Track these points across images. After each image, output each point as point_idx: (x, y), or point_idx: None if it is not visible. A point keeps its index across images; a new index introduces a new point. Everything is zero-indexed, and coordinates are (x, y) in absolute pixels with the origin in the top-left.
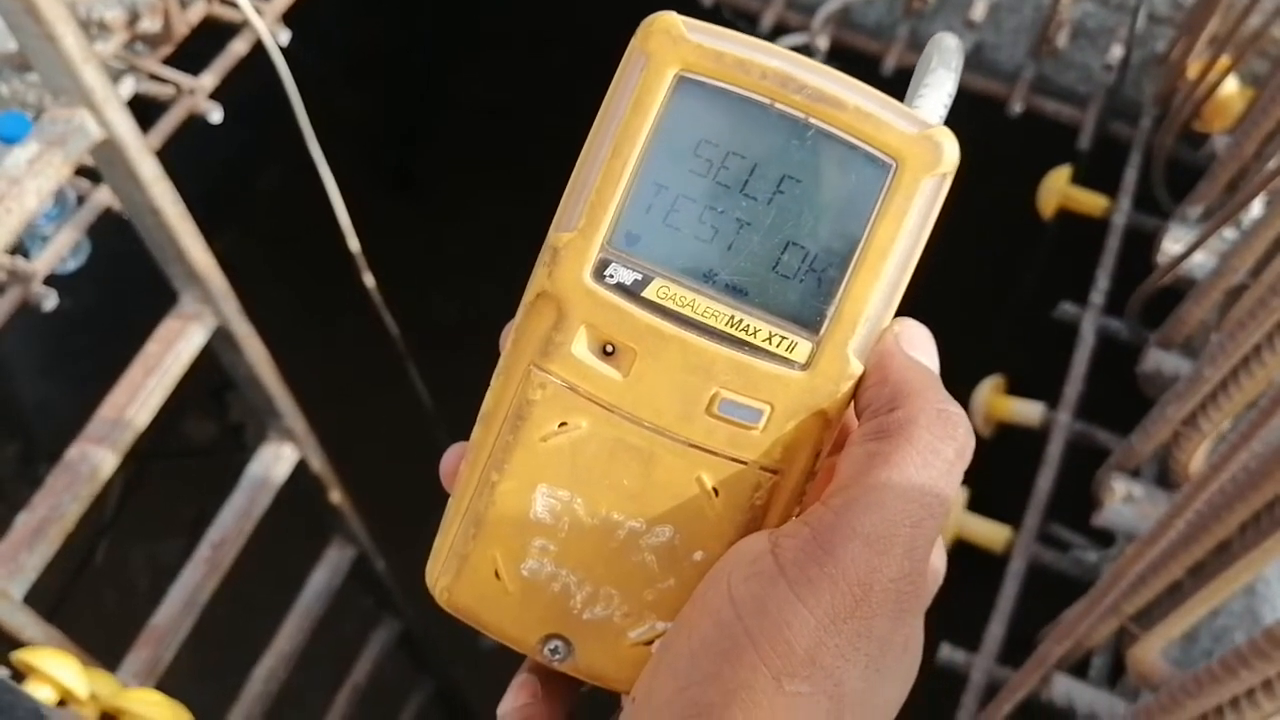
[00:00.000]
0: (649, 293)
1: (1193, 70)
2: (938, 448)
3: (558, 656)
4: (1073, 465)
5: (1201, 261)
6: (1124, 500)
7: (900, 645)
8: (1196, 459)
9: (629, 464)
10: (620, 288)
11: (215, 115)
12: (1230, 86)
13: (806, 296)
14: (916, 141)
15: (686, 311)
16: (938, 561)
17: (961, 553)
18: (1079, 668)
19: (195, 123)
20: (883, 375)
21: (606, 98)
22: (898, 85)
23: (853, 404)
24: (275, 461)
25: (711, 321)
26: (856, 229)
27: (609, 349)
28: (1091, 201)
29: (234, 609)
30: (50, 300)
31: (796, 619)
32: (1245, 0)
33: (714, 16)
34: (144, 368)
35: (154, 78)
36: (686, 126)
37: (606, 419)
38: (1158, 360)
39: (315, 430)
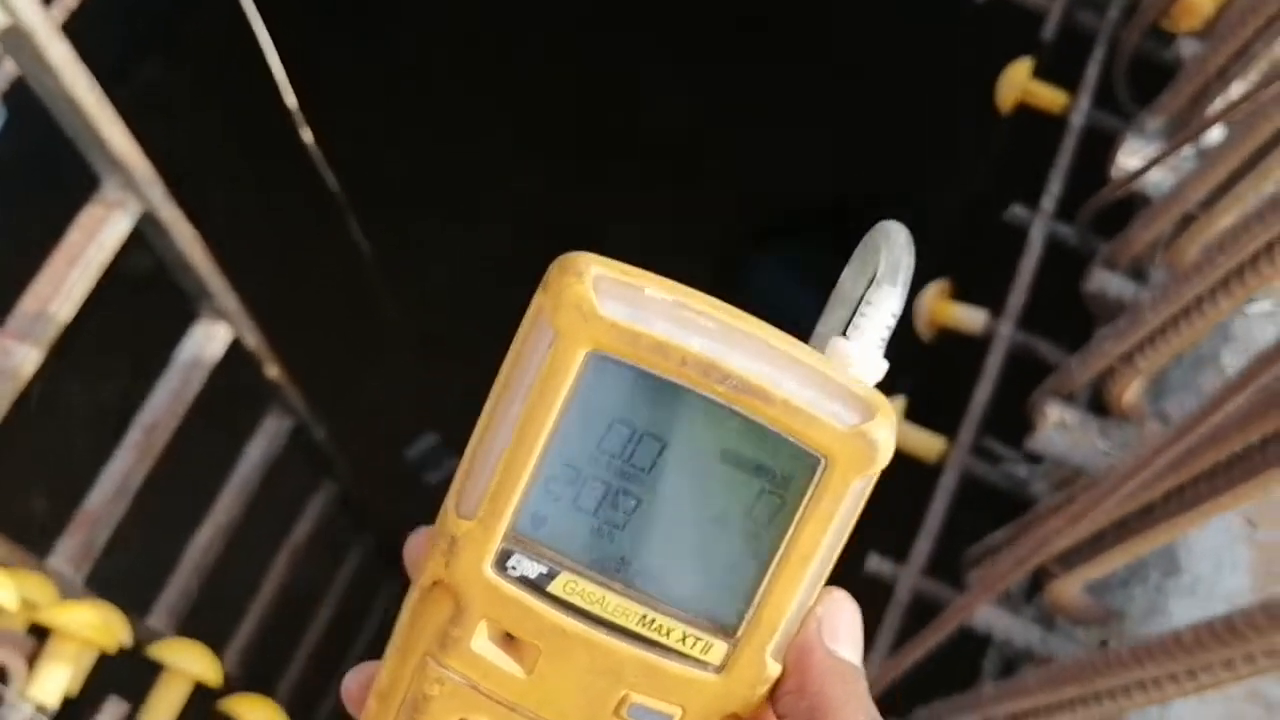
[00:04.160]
0: (555, 588)
1: None
2: None
3: None
4: (1014, 376)
5: (1157, 180)
6: (1056, 426)
7: None
8: (1131, 393)
9: None
10: (524, 581)
11: None
12: None
13: (723, 596)
14: (849, 440)
15: (595, 609)
16: None
17: (894, 461)
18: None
19: None
20: (801, 681)
21: (509, 361)
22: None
23: (770, 704)
24: (208, 341)
25: (621, 620)
26: (781, 528)
27: (509, 640)
28: (1051, 97)
29: (171, 486)
30: None
31: None
32: None
33: None
34: (66, 258)
35: None
36: (600, 407)
37: (508, 717)
38: (1102, 281)
39: (252, 300)
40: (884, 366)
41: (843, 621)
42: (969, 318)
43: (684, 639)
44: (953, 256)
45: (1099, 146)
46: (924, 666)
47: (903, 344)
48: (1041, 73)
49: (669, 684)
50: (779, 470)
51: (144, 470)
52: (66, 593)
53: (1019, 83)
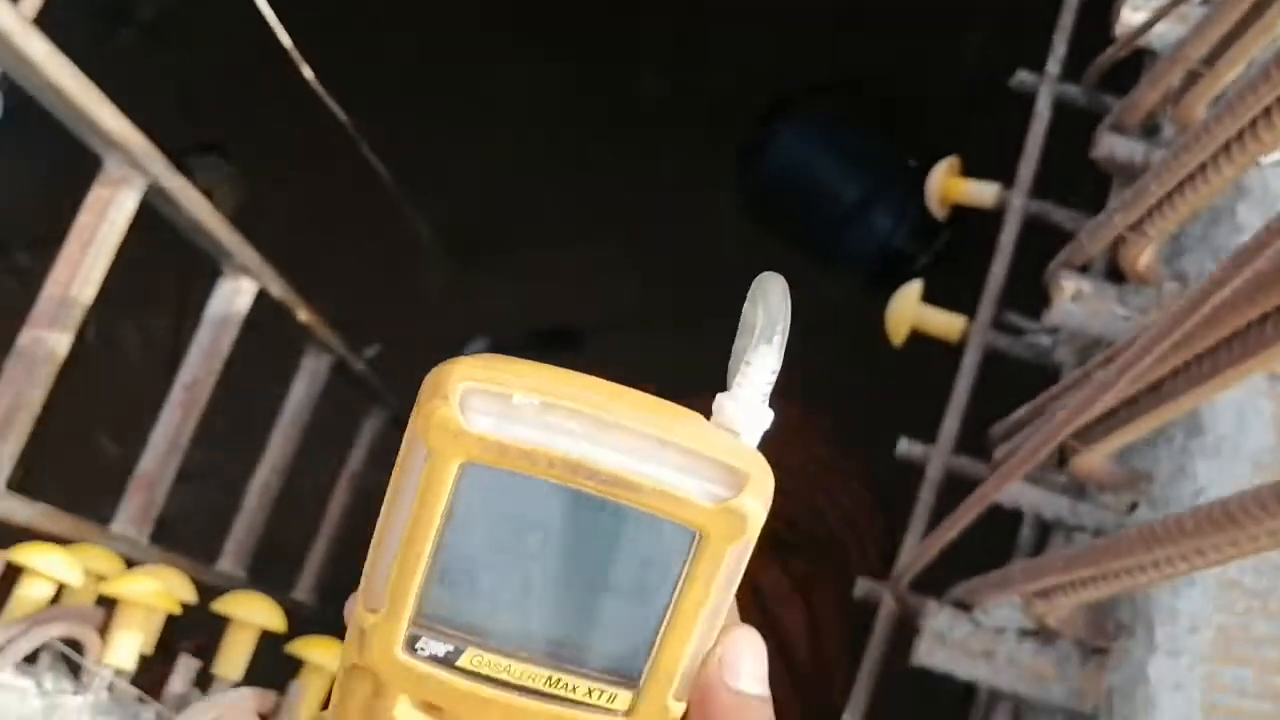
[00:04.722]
0: (463, 662)
1: None
2: None
3: None
4: (1031, 246)
5: (1163, 31)
6: (1073, 298)
7: None
8: (1146, 257)
9: None
10: (434, 659)
11: None
12: None
13: (621, 654)
14: (718, 515)
15: (503, 676)
16: None
17: (917, 346)
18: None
19: None
20: (704, 717)
21: (395, 473)
22: None
23: None
24: (235, 296)
25: (529, 683)
26: (665, 593)
27: (431, 710)
28: None
29: (230, 436)
30: None
31: None
32: None
33: None
34: (80, 242)
35: None
36: (480, 507)
37: None
38: (1111, 145)
39: (277, 246)
40: (769, 416)
41: (743, 658)
42: (981, 192)
43: (590, 693)
44: (961, 133)
45: (1103, 4)
46: (960, 542)
47: (918, 227)
48: None
49: None
50: (658, 545)
51: (190, 427)
52: (133, 555)
53: None
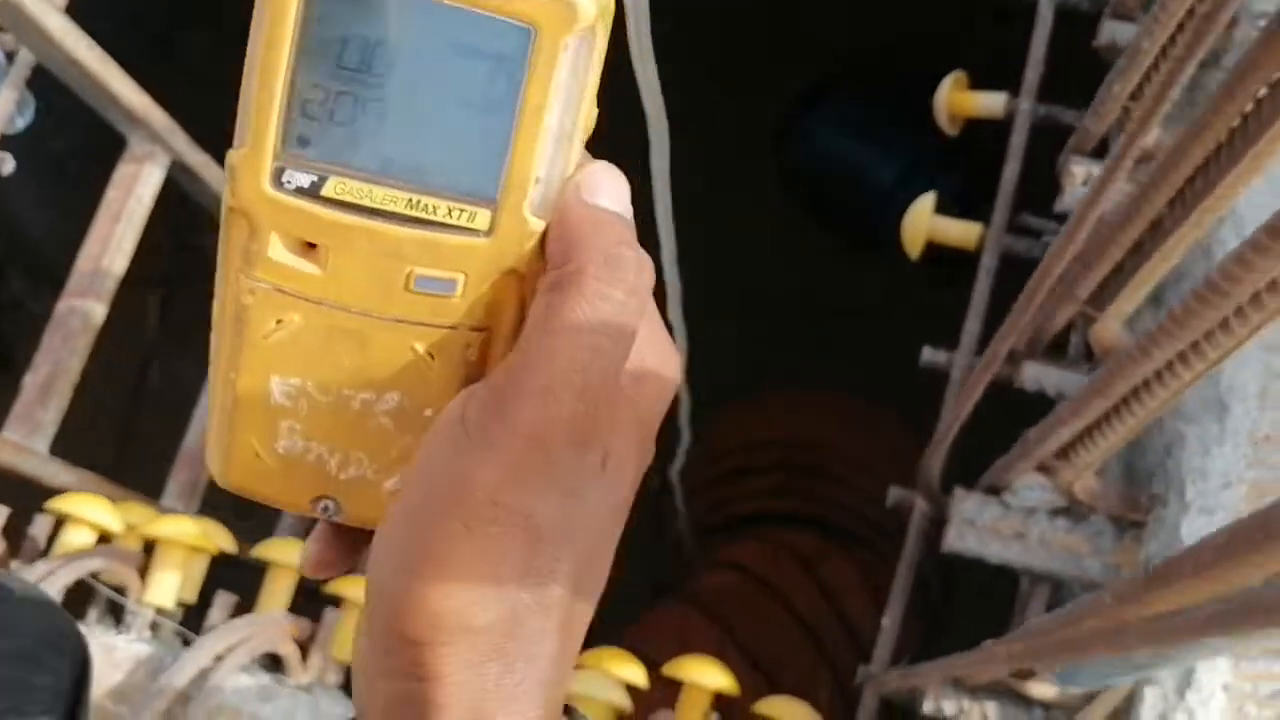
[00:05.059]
0: (327, 191)
1: None
2: (605, 292)
3: (329, 513)
4: (1042, 152)
5: None
6: (1085, 183)
7: (592, 470)
8: (1150, 132)
9: (346, 346)
10: (299, 191)
11: None
12: None
13: (475, 169)
14: (546, 5)
15: (366, 202)
16: (657, 363)
17: (936, 259)
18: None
19: None
20: (560, 229)
21: (253, 20)
22: None
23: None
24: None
25: (391, 207)
26: (509, 98)
27: (305, 245)
28: None
29: None
30: (7, 165)
31: (478, 472)
32: None
33: None
34: (109, 216)
35: None
36: (325, 26)
37: (316, 311)
38: (1112, 31)
39: None
40: None
41: (601, 180)
42: (989, 102)
43: (450, 212)
44: (968, 47)
45: None
46: (990, 444)
47: (959, 196)
48: None
49: (446, 254)
50: (496, 49)
51: None
52: None
53: None
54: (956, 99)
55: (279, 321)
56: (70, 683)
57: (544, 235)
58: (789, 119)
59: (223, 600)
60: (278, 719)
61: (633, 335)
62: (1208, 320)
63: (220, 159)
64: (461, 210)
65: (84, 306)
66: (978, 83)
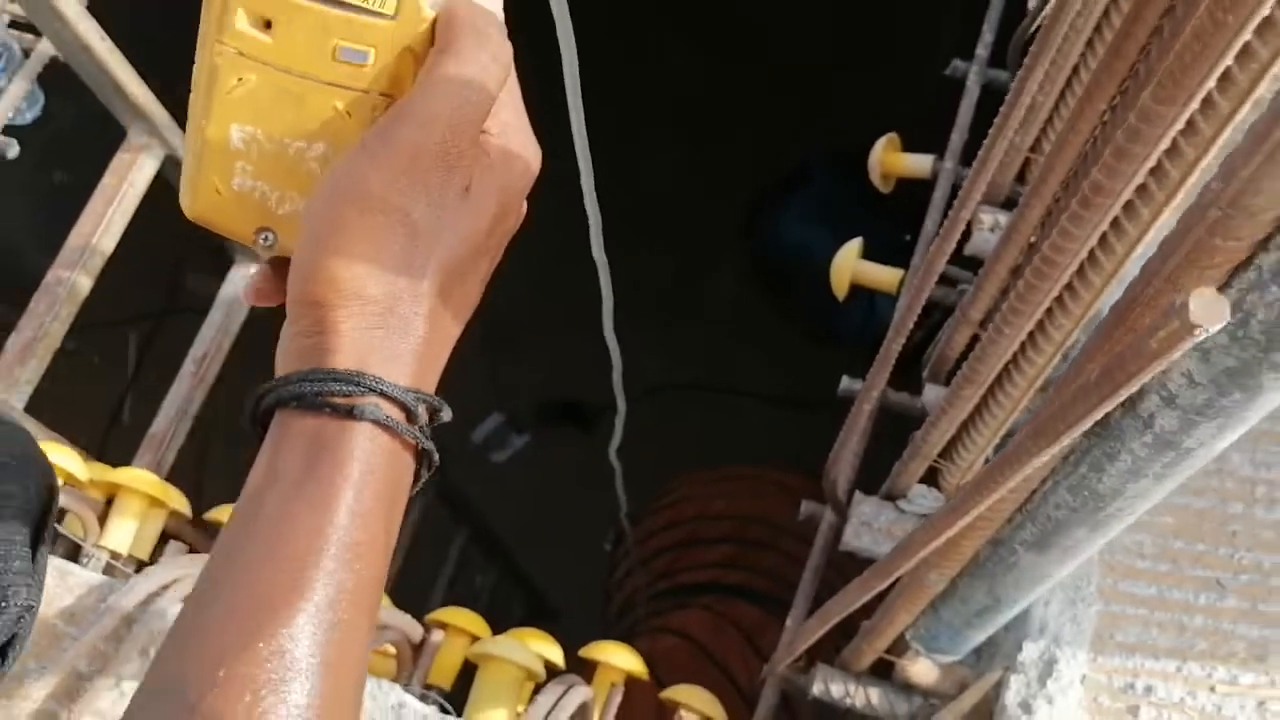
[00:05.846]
0: None
1: None
2: (474, 55)
3: (268, 243)
4: None
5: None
6: (991, 229)
7: (457, 191)
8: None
9: (288, 103)
10: None
11: None
12: None
13: None
14: None
15: None
16: (519, 147)
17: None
18: None
19: None
20: (446, 17)
21: None
22: None
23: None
24: (244, 282)
25: None
26: None
27: (263, 22)
28: None
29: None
30: (12, 149)
31: (369, 174)
32: None
33: None
34: (103, 199)
35: None
36: None
37: (266, 72)
38: None
39: None
40: None
41: None
42: (917, 163)
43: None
44: (902, 113)
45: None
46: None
47: (859, 201)
48: None
49: (362, 32)
50: None
51: (200, 397)
52: None
53: None
54: (889, 159)
55: (239, 80)
56: (37, 496)
57: (434, 24)
58: (757, 209)
59: (174, 547)
60: None
61: (493, 94)
62: (1038, 303)
63: None
64: None
65: (71, 278)
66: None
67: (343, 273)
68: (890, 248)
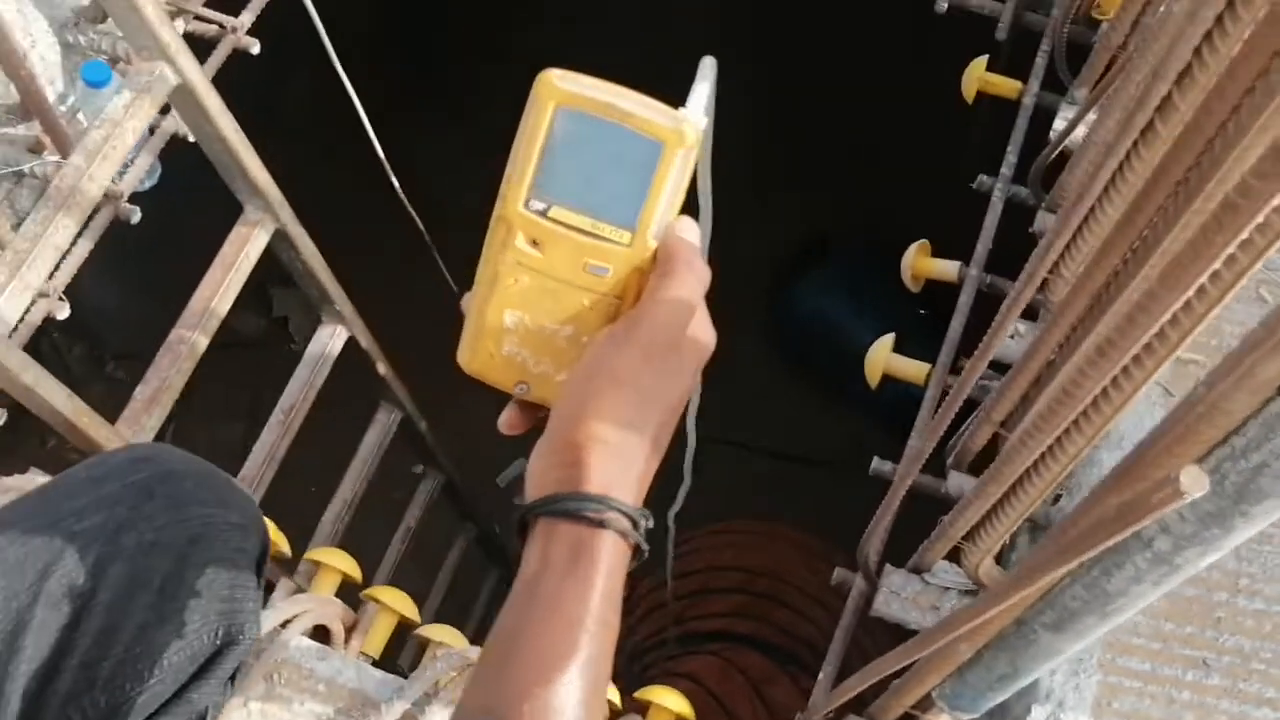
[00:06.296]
0: (551, 214)
1: None
2: (685, 278)
3: (523, 392)
4: (984, 311)
5: (1079, 136)
6: (1012, 335)
7: (675, 366)
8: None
9: (549, 298)
10: (537, 211)
11: (255, 49)
12: None
13: (628, 213)
14: (673, 130)
15: (569, 222)
16: (701, 333)
17: (903, 411)
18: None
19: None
20: (664, 248)
21: (521, 125)
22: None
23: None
24: (330, 340)
25: (578, 225)
26: (647, 177)
27: (535, 242)
28: (1006, 85)
29: (303, 465)
30: (135, 215)
31: (616, 359)
32: None
33: None
34: (222, 267)
35: (199, 18)
36: (561, 129)
37: (536, 277)
38: (1044, 221)
39: (360, 313)
40: (703, 121)
41: (687, 225)
42: (945, 268)
43: (610, 232)
44: (933, 221)
45: (1048, 121)
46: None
47: (894, 298)
48: (998, 67)
49: (606, 254)
50: (645, 149)
51: (286, 444)
52: None
53: (977, 75)
54: (919, 263)
55: (515, 280)
56: (260, 550)
57: (656, 251)
58: (780, 277)
59: (285, 584)
60: (329, 674)
61: (697, 306)
62: (1064, 418)
63: (312, 233)
64: (616, 229)
65: (191, 337)
66: (941, 251)
67: (595, 426)
68: (907, 323)
